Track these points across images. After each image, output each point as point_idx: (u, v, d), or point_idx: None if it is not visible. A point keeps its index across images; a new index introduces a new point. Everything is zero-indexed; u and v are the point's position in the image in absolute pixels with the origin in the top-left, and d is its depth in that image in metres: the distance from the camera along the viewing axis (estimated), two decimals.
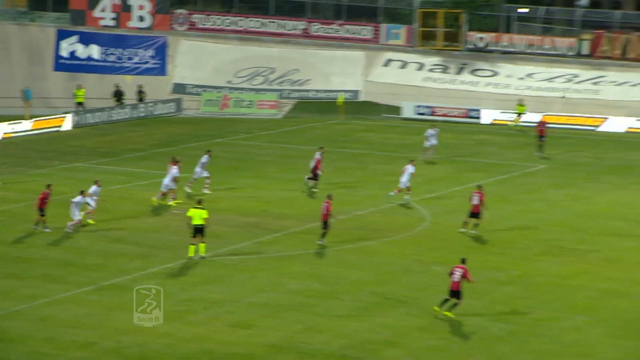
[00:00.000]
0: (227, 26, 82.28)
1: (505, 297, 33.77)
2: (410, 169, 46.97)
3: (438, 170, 55.19)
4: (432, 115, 72.86)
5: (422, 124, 69.48)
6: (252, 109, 74.81)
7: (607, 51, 77.07)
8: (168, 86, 78.12)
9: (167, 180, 45.43)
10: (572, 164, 57.60)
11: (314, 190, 48.33)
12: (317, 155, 49.50)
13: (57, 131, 66.29)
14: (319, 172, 48.88)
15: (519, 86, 76.82)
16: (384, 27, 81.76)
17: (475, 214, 41.35)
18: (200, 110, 74.90)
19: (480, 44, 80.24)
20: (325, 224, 39.23)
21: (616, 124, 69.41)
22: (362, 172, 53.28)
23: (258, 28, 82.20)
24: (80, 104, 71.44)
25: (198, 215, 37.28)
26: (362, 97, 78.23)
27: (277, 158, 59.00)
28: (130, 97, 73.66)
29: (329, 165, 50.96)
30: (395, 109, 74.52)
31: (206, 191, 47.22)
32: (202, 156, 48.54)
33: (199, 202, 38.24)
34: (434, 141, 57.66)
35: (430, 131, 57.79)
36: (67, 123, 67.34)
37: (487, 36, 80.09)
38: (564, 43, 78.45)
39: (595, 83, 75.81)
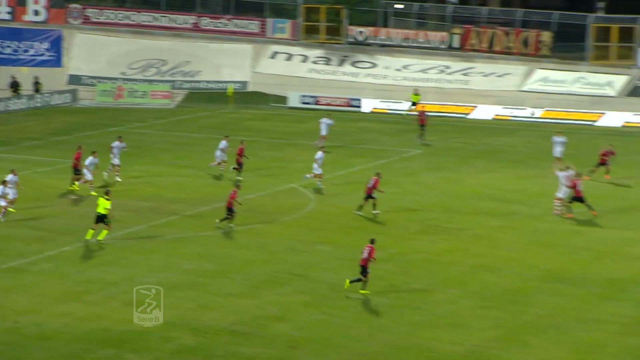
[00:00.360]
0: (120, 20, 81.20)
1: (385, 274, 34.08)
2: (319, 155, 47.03)
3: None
4: (316, 104, 72.97)
5: (307, 112, 69.90)
6: (145, 99, 73.93)
7: (476, 44, 78.29)
8: (64, 77, 76.65)
9: (87, 170, 44.39)
10: (446, 149, 58.40)
11: (239, 178, 47.80)
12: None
13: None
14: (242, 160, 48.57)
15: (396, 77, 77.49)
16: (270, 21, 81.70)
17: (368, 196, 41.61)
18: (96, 100, 73.69)
19: (360, 38, 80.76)
20: (230, 210, 39.05)
21: (484, 112, 70.64)
22: (252, 159, 53.15)
23: (150, 22, 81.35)
24: None
25: (102, 205, 36.81)
26: (250, 88, 78.01)
27: (171, 145, 58.51)
28: (26, 88, 72.12)
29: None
30: (282, 99, 74.47)
31: (117, 179, 46.54)
32: (113, 142, 47.87)
33: (107, 193, 37.69)
34: (324, 131, 57.38)
35: (325, 120, 57.63)
36: None
37: (366, 30, 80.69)
38: (436, 37, 79.46)
39: (465, 74, 76.98)
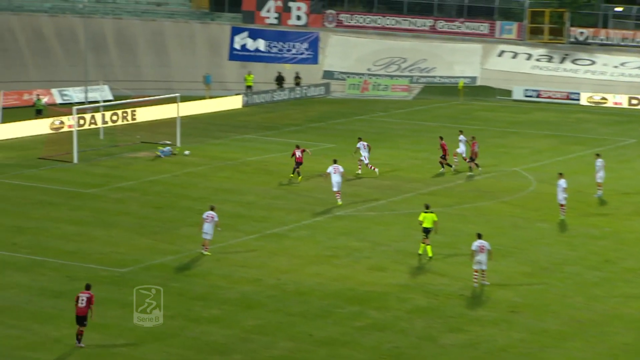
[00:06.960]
0: (368, 24, 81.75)
1: (600, 249, 32.91)
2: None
3: (541, 144, 53.90)
4: (538, 97, 71.36)
5: (530, 104, 68.36)
6: (387, 91, 74.37)
7: None
8: (319, 73, 78.09)
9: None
10: None
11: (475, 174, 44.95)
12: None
13: (231, 109, 67.12)
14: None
15: (613, 73, 74.46)
16: (498, 23, 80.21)
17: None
18: (345, 92, 74.80)
19: (581, 38, 77.95)
20: None
21: None
22: (482, 145, 52.25)
23: (393, 25, 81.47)
24: (249, 87, 72.31)
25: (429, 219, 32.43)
26: (479, 82, 77.02)
27: (408, 132, 58.50)
28: (289, 81, 74.15)
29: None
30: (507, 92, 73.20)
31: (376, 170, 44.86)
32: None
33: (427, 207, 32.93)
34: (601, 173, 41.11)
35: (598, 162, 41.34)
36: (238, 102, 68.30)
37: (587, 31, 77.72)
38: None
39: None
